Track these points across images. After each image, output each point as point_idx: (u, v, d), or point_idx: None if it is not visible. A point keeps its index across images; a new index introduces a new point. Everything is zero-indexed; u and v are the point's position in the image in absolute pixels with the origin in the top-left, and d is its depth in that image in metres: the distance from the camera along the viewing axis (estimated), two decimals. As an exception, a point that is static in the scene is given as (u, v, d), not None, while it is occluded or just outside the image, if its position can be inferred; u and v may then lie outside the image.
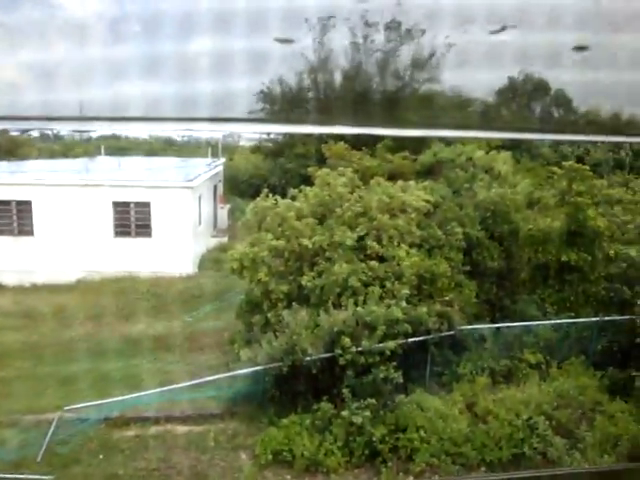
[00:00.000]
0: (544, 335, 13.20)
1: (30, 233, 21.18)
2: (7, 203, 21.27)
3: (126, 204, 21.34)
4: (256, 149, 33.41)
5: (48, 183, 21.35)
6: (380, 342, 11.07)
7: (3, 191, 21.35)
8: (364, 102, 26.88)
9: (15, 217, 21.35)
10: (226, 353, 13.48)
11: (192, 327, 16.19)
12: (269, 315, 12.45)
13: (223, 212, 27.91)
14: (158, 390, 11.79)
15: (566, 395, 11.81)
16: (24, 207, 21.20)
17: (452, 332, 12.57)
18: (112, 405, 11.51)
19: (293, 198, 14.17)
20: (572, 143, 25.02)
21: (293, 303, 12.13)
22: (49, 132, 53.98)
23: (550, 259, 14.37)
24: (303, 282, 12.39)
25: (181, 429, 11.48)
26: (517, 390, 12.09)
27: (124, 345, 14.95)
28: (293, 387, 11.55)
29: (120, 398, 11.58)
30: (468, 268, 13.81)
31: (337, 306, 11.82)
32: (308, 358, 11.13)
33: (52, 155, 36.54)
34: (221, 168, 30.44)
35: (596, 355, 13.19)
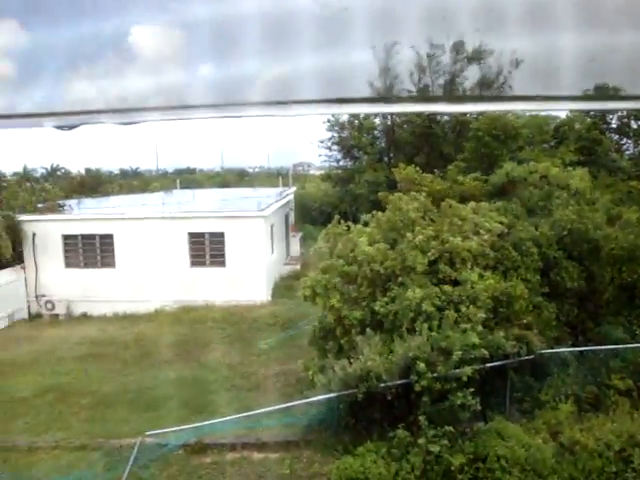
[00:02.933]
0: (633, 359, 12.48)
1: (112, 265, 22.16)
2: (92, 237, 22.39)
3: (201, 235, 22.01)
4: (326, 177, 33.79)
5: (128, 217, 22.38)
6: (456, 368, 10.78)
7: (88, 226, 22.52)
8: (432, 125, 26.74)
9: (99, 250, 22.43)
10: (300, 380, 13.49)
11: (267, 354, 16.35)
12: (342, 341, 12.40)
13: (295, 240, 28.24)
14: (234, 417, 11.92)
15: (662, 425, 11.05)
16: (107, 240, 22.25)
17: (532, 356, 12.09)
18: (190, 431, 11.73)
19: (364, 224, 14.18)
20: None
21: (366, 329, 12.03)
22: (128, 168, 56.78)
23: (636, 278, 13.64)
24: (376, 308, 12.30)
25: (257, 456, 11.53)
26: (606, 419, 11.39)
27: (201, 372, 15.28)
28: (368, 414, 11.40)
29: (198, 424, 11.80)
30: (546, 290, 13.30)
31: (411, 331, 11.63)
32: (383, 384, 10.97)
33: (131, 190, 38.26)
34: (292, 197, 30.93)
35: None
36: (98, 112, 1.51)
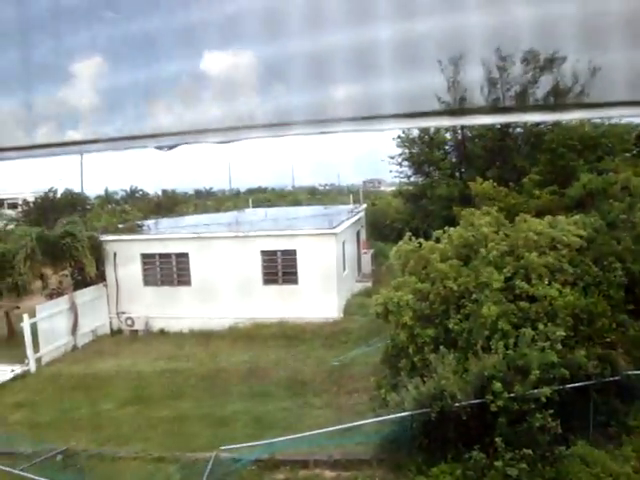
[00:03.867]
0: None
1: (188, 283, 22.82)
2: (168, 256, 23.16)
3: (273, 252, 22.32)
4: (397, 193, 33.62)
5: (203, 236, 23.02)
6: (534, 388, 10.39)
7: (165, 245, 23.33)
8: (505, 138, 26.13)
9: (175, 269, 23.17)
10: (373, 398, 13.38)
11: (339, 371, 16.32)
12: (415, 359, 12.23)
13: (367, 257, 28.17)
14: (307, 434, 11.94)
15: None
16: (182, 259, 22.96)
17: (617, 377, 11.48)
18: (263, 447, 11.84)
19: (436, 240, 13.99)
20: None
21: (440, 347, 11.82)
22: (202, 189, 58.63)
23: None
24: (450, 325, 12.08)
25: (329, 474, 11.48)
26: None
27: (274, 389, 15.43)
28: (442, 434, 11.13)
29: (270, 440, 11.89)
30: (632, 307, 12.64)
31: (486, 349, 11.33)
32: (457, 404, 10.71)
33: (206, 210, 39.40)
34: (363, 214, 30.94)
35: None
36: (198, 132, 1.57)
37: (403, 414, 11.26)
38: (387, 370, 13.34)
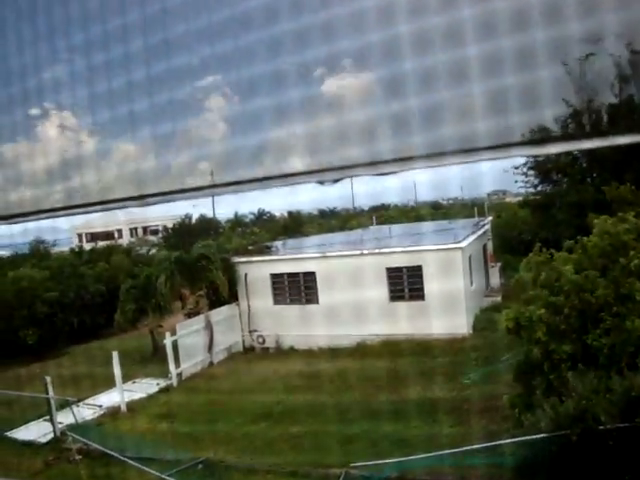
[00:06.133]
0: None
1: (315, 301, 23.29)
2: (296, 275, 23.82)
3: (399, 269, 22.22)
4: (523, 204, 32.21)
5: (329, 255, 23.43)
6: (694, 411, 9.41)
7: (292, 265, 24.03)
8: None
9: (302, 287, 23.77)
10: (506, 418, 12.79)
11: (469, 390, 15.82)
12: (551, 377, 11.54)
13: (494, 271, 27.30)
14: (437, 453, 11.65)
15: None
16: (309, 278, 23.50)
17: None
18: (393, 465, 11.72)
19: (569, 250, 13.22)
20: None
21: (578, 364, 11.09)
22: (326, 209, 59.77)
23: None
24: (588, 341, 11.30)
25: (462, 496, 11.12)
26: None
27: (403, 406, 15.24)
28: (586, 459, 10.36)
29: (401, 459, 11.74)
30: None
31: (632, 367, 10.45)
32: (602, 427, 9.94)
33: (330, 229, 40.06)
34: (489, 226, 30.01)
35: None
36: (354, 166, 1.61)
37: (540, 436, 10.64)
38: (520, 388, 12.72)
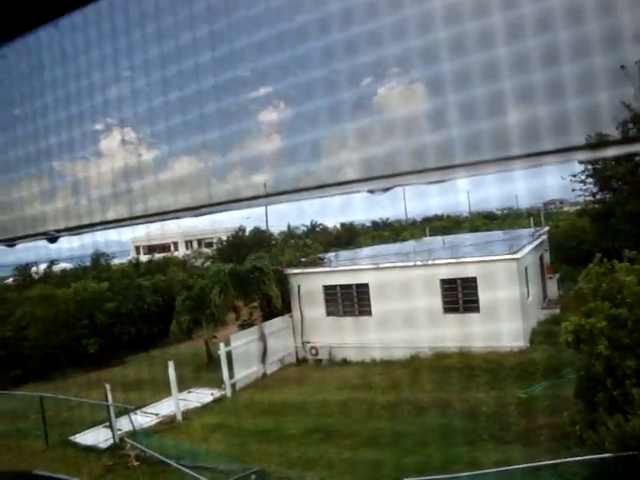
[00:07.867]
0: None
1: (368, 313, 23.16)
2: (349, 287, 23.78)
3: (453, 281, 21.86)
4: (582, 213, 31.24)
5: (382, 266, 23.29)
6: None
7: (345, 277, 24.00)
8: None
9: (355, 299, 23.69)
10: (567, 435, 12.36)
11: (527, 404, 15.36)
12: (615, 393, 11.09)
13: (552, 282, 26.55)
14: (494, 470, 11.34)
15: None
16: (362, 289, 23.41)
17: None
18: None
19: (631, 261, 12.73)
20: None
21: (643, 380, 10.63)
22: (379, 220, 59.49)
23: None
24: (654, 356, 10.83)
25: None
26: None
27: (457, 420, 14.93)
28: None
29: (455, 475, 11.48)
30: None
31: (702, 384, 9.95)
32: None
33: (383, 241, 39.83)
34: (546, 237, 29.25)
35: None
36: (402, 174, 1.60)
37: (604, 455, 10.22)
38: (582, 405, 12.26)
